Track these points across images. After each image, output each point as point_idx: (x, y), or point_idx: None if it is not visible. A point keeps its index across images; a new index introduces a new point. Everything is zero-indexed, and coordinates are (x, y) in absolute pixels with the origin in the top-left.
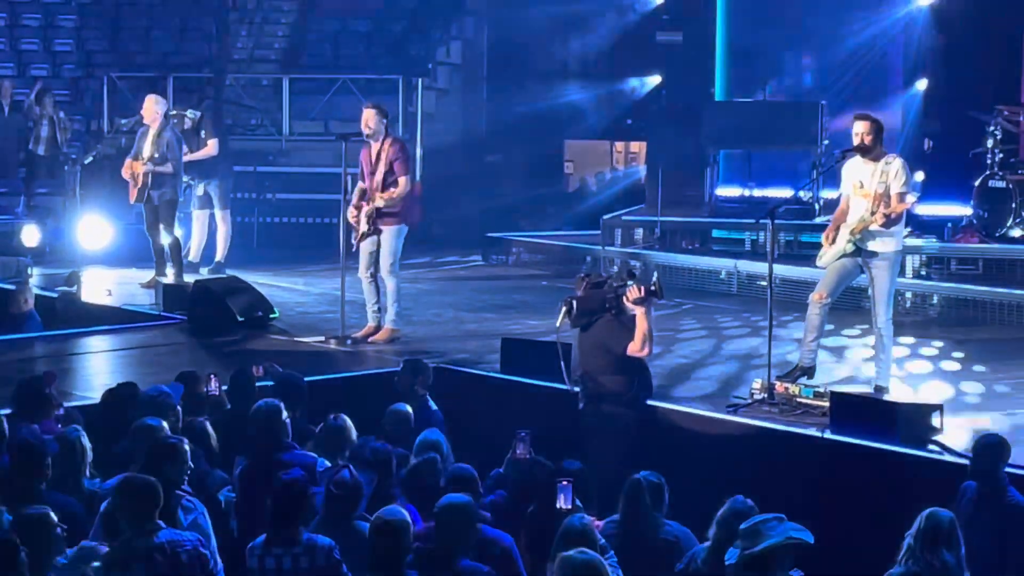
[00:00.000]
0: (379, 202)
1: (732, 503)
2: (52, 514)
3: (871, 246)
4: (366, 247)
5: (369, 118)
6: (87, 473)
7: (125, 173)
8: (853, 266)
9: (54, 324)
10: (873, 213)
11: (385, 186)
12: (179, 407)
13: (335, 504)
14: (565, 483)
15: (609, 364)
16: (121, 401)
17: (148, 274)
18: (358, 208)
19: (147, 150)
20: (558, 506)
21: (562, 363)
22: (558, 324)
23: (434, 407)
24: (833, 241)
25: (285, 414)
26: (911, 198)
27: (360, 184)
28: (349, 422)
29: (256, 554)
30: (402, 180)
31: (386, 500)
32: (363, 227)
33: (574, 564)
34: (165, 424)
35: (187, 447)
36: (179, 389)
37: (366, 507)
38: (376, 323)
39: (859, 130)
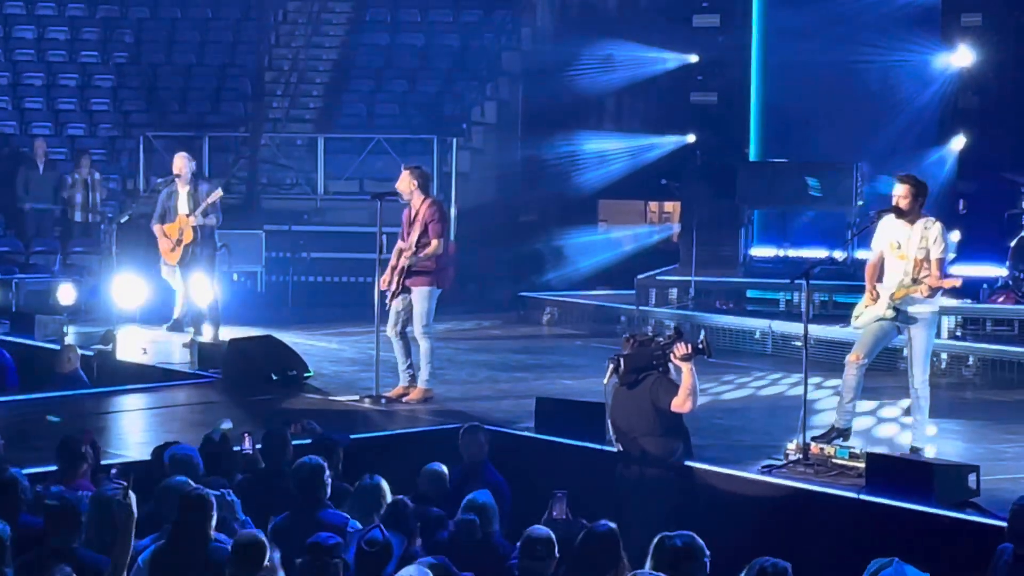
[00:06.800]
0: (405, 261)
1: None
2: None
3: (911, 310)
4: (395, 305)
5: (401, 180)
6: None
7: (166, 242)
8: (891, 328)
9: (90, 382)
10: (916, 281)
11: (419, 246)
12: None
13: (365, 562)
14: None
15: (654, 424)
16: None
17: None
18: (392, 269)
19: (184, 207)
20: None
21: (608, 422)
22: (606, 381)
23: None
24: (875, 300)
25: (328, 473)
26: (950, 256)
27: (399, 244)
28: (384, 483)
29: None
30: (434, 242)
31: (408, 561)
32: (394, 285)
33: None
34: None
35: (213, 499)
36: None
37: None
38: (408, 383)
39: (899, 192)
